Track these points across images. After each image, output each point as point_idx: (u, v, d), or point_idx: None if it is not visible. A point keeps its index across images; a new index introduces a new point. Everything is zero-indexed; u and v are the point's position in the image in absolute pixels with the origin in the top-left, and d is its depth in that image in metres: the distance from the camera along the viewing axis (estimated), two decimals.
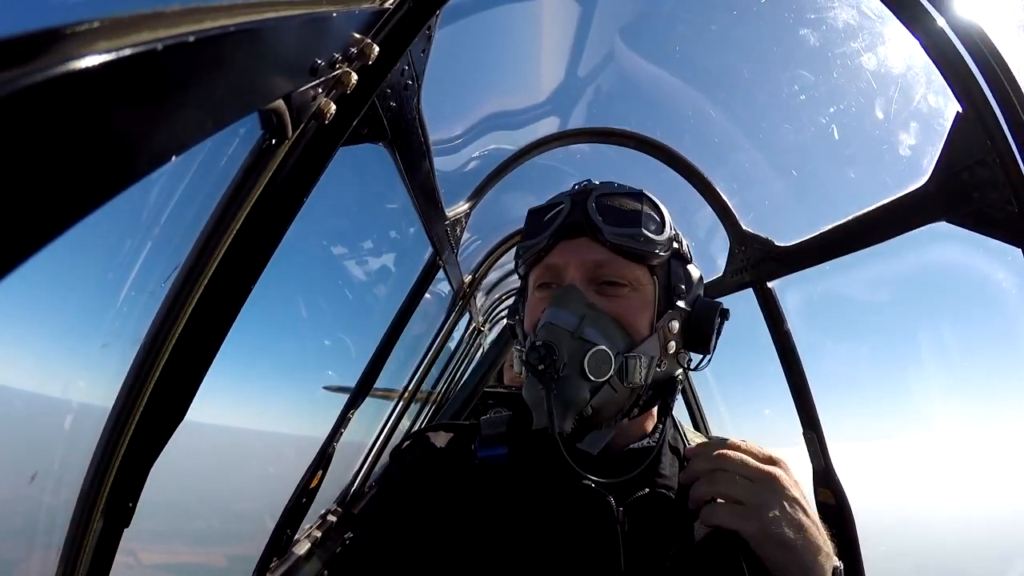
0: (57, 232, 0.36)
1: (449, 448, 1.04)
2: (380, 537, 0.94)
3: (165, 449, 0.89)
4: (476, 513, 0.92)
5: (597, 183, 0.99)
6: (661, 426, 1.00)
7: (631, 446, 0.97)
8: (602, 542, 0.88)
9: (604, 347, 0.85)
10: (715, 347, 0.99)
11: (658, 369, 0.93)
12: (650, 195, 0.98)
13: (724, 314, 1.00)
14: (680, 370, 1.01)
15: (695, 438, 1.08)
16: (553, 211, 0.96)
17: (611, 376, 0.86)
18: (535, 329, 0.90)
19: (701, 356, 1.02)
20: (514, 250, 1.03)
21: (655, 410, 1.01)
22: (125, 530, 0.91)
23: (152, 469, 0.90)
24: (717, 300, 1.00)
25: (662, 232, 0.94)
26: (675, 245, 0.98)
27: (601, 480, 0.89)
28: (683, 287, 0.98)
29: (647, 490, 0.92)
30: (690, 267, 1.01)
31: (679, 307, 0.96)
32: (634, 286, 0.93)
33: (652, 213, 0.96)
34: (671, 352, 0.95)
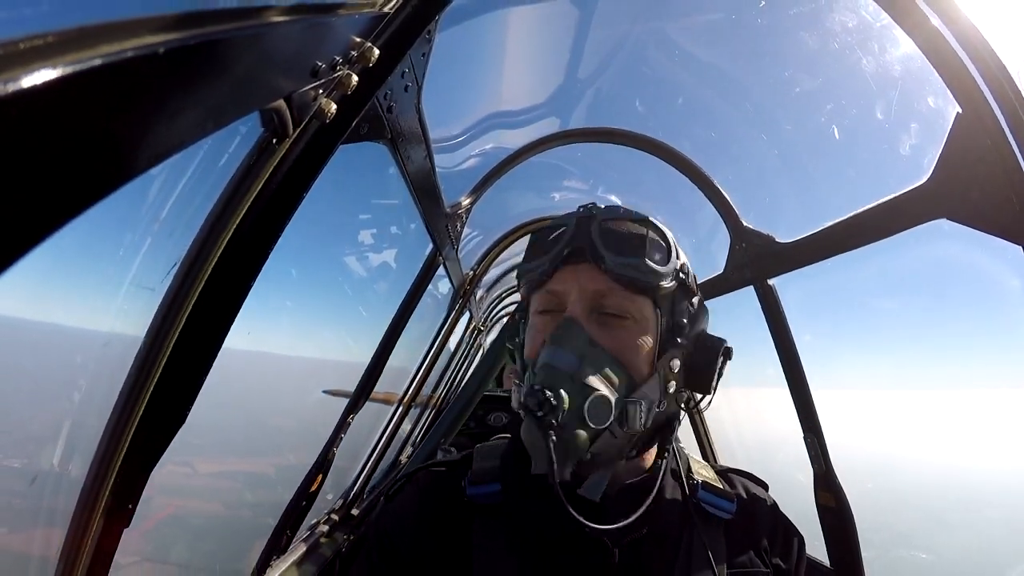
0: (58, 225, 0.36)
1: (439, 488, 1.02)
2: None
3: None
4: (466, 558, 0.91)
5: (602, 207, 0.93)
6: (661, 462, 0.98)
7: (628, 481, 0.95)
8: None
9: (605, 393, 0.82)
10: (716, 388, 0.96)
11: (658, 410, 0.90)
12: (657, 222, 0.93)
13: (727, 353, 0.96)
14: (680, 410, 0.98)
15: (701, 469, 1.07)
16: (555, 234, 0.92)
17: (611, 423, 0.83)
18: (534, 365, 0.87)
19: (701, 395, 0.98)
20: (515, 246, 1.02)
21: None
22: (132, 521, 0.91)
23: (153, 470, 0.90)
24: (720, 338, 0.97)
25: (667, 262, 0.90)
26: (681, 276, 0.92)
27: (598, 527, 0.88)
28: (685, 321, 0.93)
29: (644, 530, 0.92)
30: (695, 299, 0.96)
31: (681, 344, 0.92)
32: (636, 319, 0.88)
33: (659, 240, 0.91)
34: (671, 392, 0.91)
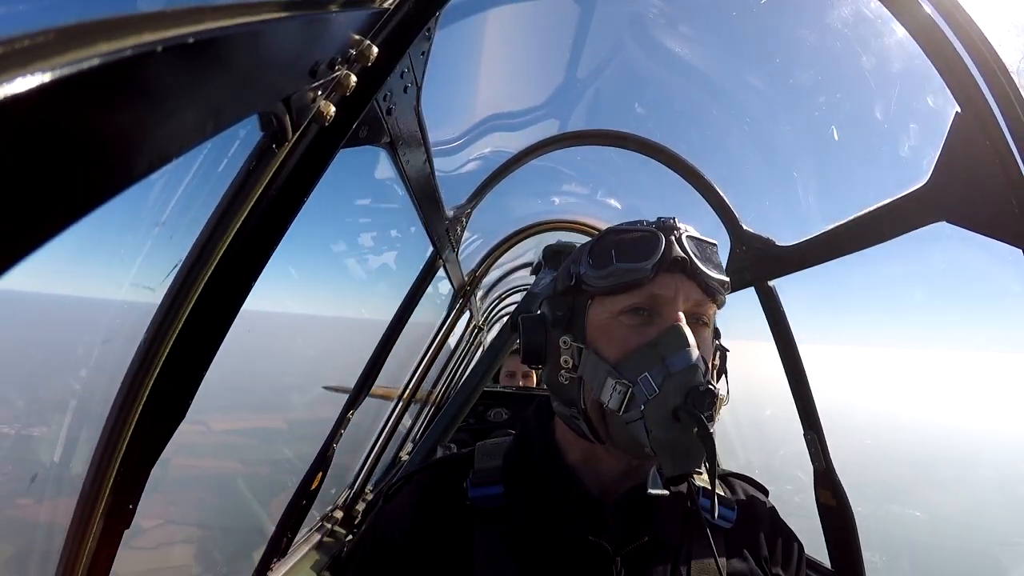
0: (58, 230, 0.36)
1: (439, 489, 1.02)
2: None
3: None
4: (467, 563, 0.91)
5: (676, 219, 0.96)
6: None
7: (631, 486, 0.97)
8: None
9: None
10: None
11: None
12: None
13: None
14: None
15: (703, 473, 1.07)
16: (647, 239, 0.93)
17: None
18: (665, 364, 0.84)
19: None
20: (516, 248, 1.01)
21: None
22: (129, 527, 0.91)
23: (153, 467, 0.90)
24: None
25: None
26: None
27: (599, 540, 0.89)
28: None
29: (645, 538, 0.92)
30: None
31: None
32: (710, 327, 0.96)
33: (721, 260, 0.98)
34: None
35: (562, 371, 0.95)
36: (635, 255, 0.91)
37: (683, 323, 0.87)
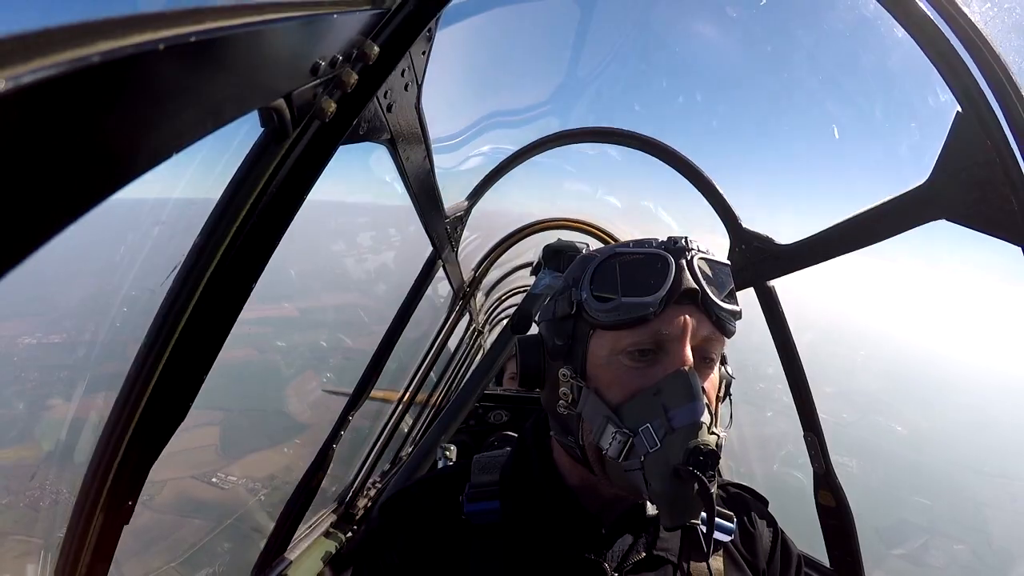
0: (59, 227, 0.36)
1: (435, 504, 1.00)
2: None
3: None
4: None
5: (689, 240, 0.89)
6: None
7: (630, 505, 0.96)
8: None
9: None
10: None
11: None
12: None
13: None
14: None
15: None
16: (655, 265, 0.86)
17: None
18: (667, 416, 0.80)
19: None
20: (516, 248, 0.99)
21: None
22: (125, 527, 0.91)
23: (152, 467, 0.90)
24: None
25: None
26: None
27: (598, 558, 0.89)
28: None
29: (644, 554, 0.92)
30: None
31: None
32: (716, 362, 0.90)
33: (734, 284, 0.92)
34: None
35: (561, 401, 0.92)
36: (642, 286, 0.85)
37: (689, 366, 0.82)
